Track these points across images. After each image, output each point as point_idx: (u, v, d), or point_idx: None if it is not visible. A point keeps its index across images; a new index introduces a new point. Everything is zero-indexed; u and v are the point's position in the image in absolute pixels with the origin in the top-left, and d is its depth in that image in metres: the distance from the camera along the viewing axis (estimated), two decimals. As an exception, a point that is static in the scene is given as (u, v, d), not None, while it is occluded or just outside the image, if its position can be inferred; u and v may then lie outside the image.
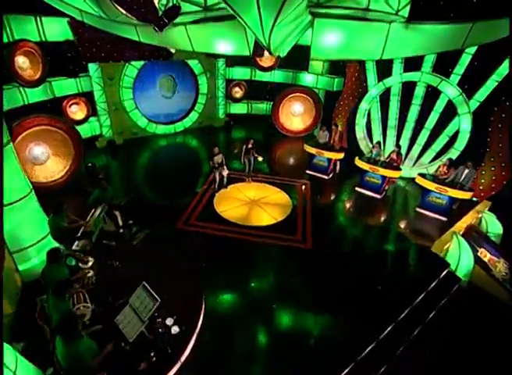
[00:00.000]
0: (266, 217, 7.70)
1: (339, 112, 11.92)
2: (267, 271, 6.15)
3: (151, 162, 11.03)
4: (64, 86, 9.85)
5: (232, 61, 13.42)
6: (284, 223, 7.54)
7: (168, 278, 5.08)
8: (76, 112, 10.46)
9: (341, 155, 9.54)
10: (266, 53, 13.37)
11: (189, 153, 11.94)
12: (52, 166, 8.38)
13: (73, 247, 5.26)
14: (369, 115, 10.71)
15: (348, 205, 8.77)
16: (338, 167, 10.30)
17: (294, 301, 5.49)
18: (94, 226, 5.43)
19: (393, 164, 8.87)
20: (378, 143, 9.20)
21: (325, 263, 6.40)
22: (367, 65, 10.15)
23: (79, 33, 7.37)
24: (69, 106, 10.21)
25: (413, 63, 9.15)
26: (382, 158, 9.10)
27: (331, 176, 10.11)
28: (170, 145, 12.30)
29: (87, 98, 10.48)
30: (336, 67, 12.42)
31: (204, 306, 4.96)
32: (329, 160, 9.77)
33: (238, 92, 14.43)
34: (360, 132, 10.83)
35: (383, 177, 8.87)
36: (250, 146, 8.75)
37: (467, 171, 7.63)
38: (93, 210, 5.90)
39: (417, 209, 8.51)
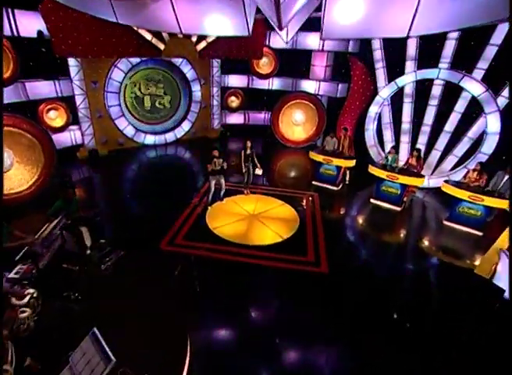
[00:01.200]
0: (269, 234, 6.38)
1: (344, 118, 10.93)
2: (272, 302, 4.75)
3: (137, 174, 9.78)
4: (40, 88, 8.78)
5: (228, 68, 12.58)
6: (292, 242, 6.22)
7: (143, 316, 3.68)
8: (55, 118, 9.34)
9: (352, 163, 8.39)
10: (264, 60, 12.70)
11: (180, 166, 10.70)
12: (16, 175, 7.10)
13: (11, 274, 3.87)
14: (379, 119, 9.69)
15: (364, 220, 7.49)
16: (348, 177, 9.13)
17: (304, 336, 4.08)
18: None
19: (413, 170, 7.71)
20: (394, 147, 8.07)
21: (343, 290, 5.03)
22: (376, 64, 9.26)
23: (51, 22, 6.40)
24: (47, 112, 9.10)
25: (428, 59, 8.25)
26: (398, 165, 7.96)
27: (340, 186, 8.91)
28: (160, 157, 11.11)
29: (67, 103, 9.40)
30: (339, 72, 11.61)
31: (190, 354, 3.53)
32: (339, 169, 8.61)
33: (234, 101, 13.52)
34: (370, 138, 9.77)
35: (403, 186, 7.68)
36: (249, 151, 7.58)
37: (507, 177, 6.47)
38: (46, 224, 4.56)
39: (446, 223, 7.25)
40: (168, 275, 5.07)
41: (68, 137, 9.92)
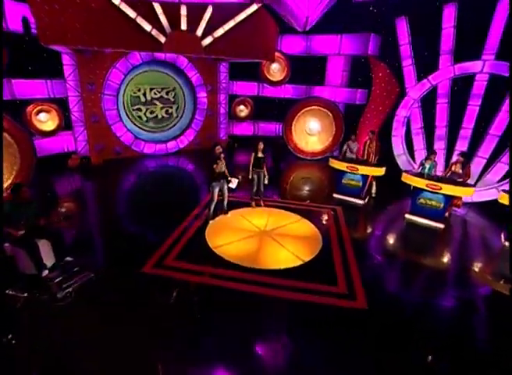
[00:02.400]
0: (286, 256, 5.00)
1: (366, 126, 9.76)
2: (291, 348, 3.30)
3: (132, 186, 8.59)
4: (29, 87, 7.93)
5: (236, 73, 11.73)
6: (315, 266, 4.81)
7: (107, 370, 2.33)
8: (46, 121, 8.42)
9: (381, 171, 7.07)
10: (275, 65, 11.86)
11: (181, 178, 9.49)
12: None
13: None
14: (408, 124, 8.47)
15: (401, 240, 6.05)
16: (374, 188, 7.78)
17: None
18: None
19: (458, 179, 6.35)
20: (434, 152, 6.76)
21: (390, 332, 3.55)
22: (403, 61, 8.17)
23: (36, 4, 5.58)
24: (36, 113, 8.19)
25: (469, 49, 7.10)
26: (434, 173, 6.64)
27: (367, 200, 7.55)
28: (159, 168, 9.99)
29: (60, 105, 8.51)
30: (357, 77, 10.61)
31: None
32: (365, 179, 7.30)
33: (243, 111, 12.59)
34: (398, 146, 8.50)
35: (447, 199, 6.28)
36: (260, 154, 6.38)
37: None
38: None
39: (506, 244, 5.76)
40: (148, 307, 3.70)
41: (59, 143, 8.95)
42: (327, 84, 11.21)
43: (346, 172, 7.36)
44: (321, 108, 10.71)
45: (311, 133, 11.19)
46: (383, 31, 8.82)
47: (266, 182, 6.53)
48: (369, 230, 6.32)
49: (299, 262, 4.81)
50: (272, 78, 11.75)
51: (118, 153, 10.10)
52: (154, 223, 6.08)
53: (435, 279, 4.82)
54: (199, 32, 7.45)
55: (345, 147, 7.74)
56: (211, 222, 5.98)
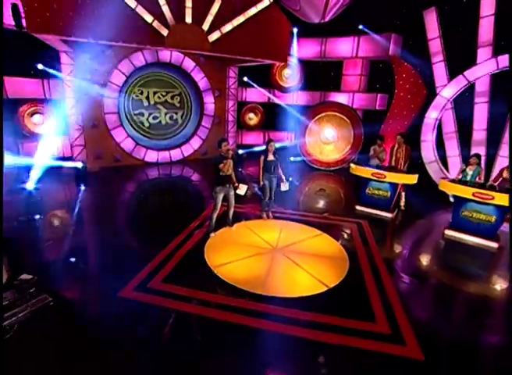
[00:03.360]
0: (304, 279, 3.93)
1: (388, 133, 8.78)
2: None
3: (126, 195, 7.68)
4: (23, 86, 7.37)
5: (247, 79, 11.08)
6: (342, 293, 3.71)
7: None
8: (40, 124, 7.79)
9: (414, 178, 6.00)
10: (287, 71, 11.21)
11: (183, 188, 8.61)
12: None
13: None
14: (440, 127, 7.46)
15: (448, 262, 4.87)
16: (403, 200, 6.70)
17: None
18: None
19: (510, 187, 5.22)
20: (478, 156, 5.69)
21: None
22: (433, 57, 7.27)
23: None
24: (30, 115, 7.58)
25: (506, 43, 6.19)
26: (479, 181, 5.55)
27: (396, 213, 6.46)
28: (161, 177, 9.15)
29: (56, 107, 7.89)
30: (376, 81, 9.79)
31: None
32: (394, 188, 6.23)
33: (253, 119, 11.86)
34: (429, 152, 7.46)
35: (500, 211, 5.13)
36: (271, 157, 5.44)
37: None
38: None
39: None
40: (128, 342, 2.67)
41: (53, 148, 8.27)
42: (343, 90, 10.41)
43: (371, 180, 6.32)
44: (338, 114, 9.83)
45: (327, 141, 10.27)
46: (407, 27, 8.04)
47: (284, 188, 5.53)
48: (404, 250, 5.17)
49: (322, 289, 3.72)
50: (283, 84, 11.08)
51: (117, 160, 9.36)
52: (144, 237, 5.13)
53: (502, 313, 3.63)
54: (205, 26, 6.80)
55: (371, 152, 6.76)
56: (212, 235, 4.98)
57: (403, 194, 6.72)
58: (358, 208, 6.58)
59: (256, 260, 4.34)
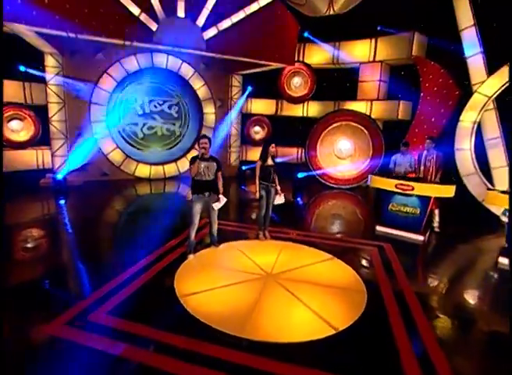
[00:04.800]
0: (304, 318, 3.01)
1: (414, 143, 7.97)
2: None
3: (105, 213, 6.94)
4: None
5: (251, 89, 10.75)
6: (357, 340, 2.76)
7: None
8: (19, 130, 7.53)
9: (450, 190, 5.07)
10: (296, 80, 10.85)
11: (179, 209, 7.81)
12: None
13: None
14: (479, 132, 6.61)
15: (505, 301, 3.78)
16: (437, 219, 5.73)
17: None
18: None
19: None
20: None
21: None
22: (467, 51, 6.58)
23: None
24: (7, 120, 7.33)
25: None
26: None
27: (428, 235, 5.48)
28: (154, 195, 8.53)
29: (37, 113, 7.66)
30: (398, 88, 9.19)
31: None
32: (425, 203, 5.30)
33: (258, 133, 11.38)
34: (466, 163, 6.56)
35: None
36: (270, 162, 4.75)
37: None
38: None
39: None
40: None
41: (32, 158, 7.94)
42: (360, 98, 9.85)
43: (395, 193, 5.44)
44: (354, 124, 9.17)
45: (342, 155, 9.54)
46: (432, 21, 7.53)
47: (280, 201, 4.76)
48: (442, 282, 4.14)
49: (328, 332, 2.78)
50: (293, 94, 10.66)
51: (104, 174, 8.91)
52: (103, 258, 4.37)
53: None
54: (200, 22, 6.50)
55: (394, 159, 5.96)
56: (190, 257, 4.18)
57: (436, 212, 5.76)
58: (379, 228, 5.65)
59: (240, 289, 3.47)
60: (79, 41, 6.28)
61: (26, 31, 5.60)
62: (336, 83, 10.43)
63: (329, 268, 4.10)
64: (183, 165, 9.81)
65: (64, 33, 5.50)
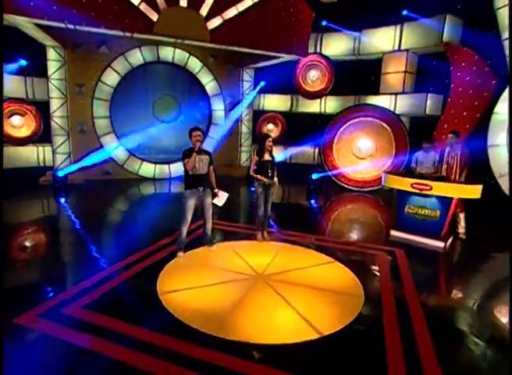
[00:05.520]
0: (288, 320, 3.04)
1: (441, 140, 7.76)
2: None
3: (100, 211, 7.18)
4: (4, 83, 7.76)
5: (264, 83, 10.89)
6: (344, 346, 2.75)
7: None
8: (20, 126, 8.08)
9: (476, 191, 4.89)
10: (313, 73, 10.88)
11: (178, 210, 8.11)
12: None
13: None
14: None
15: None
16: (463, 223, 5.54)
17: None
18: None
19: None
20: None
21: None
22: (503, 32, 6.35)
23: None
24: (8, 116, 7.89)
25: None
26: None
27: (450, 242, 5.31)
28: (157, 196, 8.83)
29: (38, 108, 8.20)
30: (426, 79, 9.00)
31: None
32: (446, 206, 5.15)
33: (271, 131, 11.47)
34: (501, 160, 6.31)
35: None
36: (267, 156, 4.83)
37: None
38: None
39: None
40: None
41: (32, 155, 8.47)
42: (383, 92, 9.72)
43: (412, 194, 5.32)
44: (375, 120, 9.06)
45: (361, 155, 9.43)
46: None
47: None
48: (460, 296, 3.99)
49: (311, 336, 2.78)
50: (309, 88, 10.69)
51: (107, 173, 9.33)
52: (88, 253, 4.59)
53: None
54: (204, 11, 6.75)
55: (416, 156, 5.86)
56: (180, 254, 4.31)
57: (461, 216, 5.57)
58: (393, 233, 5.54)
59: (225, 289, 3.54)
60: (80, 33, 6.70)
61: (25, 23, 6.08)
62: (357, 76, 10.35)
63: (327, 271, 4.09)
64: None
65: (62, 25, 5.90)
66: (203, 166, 4.31)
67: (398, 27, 9.10)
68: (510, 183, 4.44)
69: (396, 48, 9.23)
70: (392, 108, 9.29)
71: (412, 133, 8.85)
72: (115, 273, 3.82)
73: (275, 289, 3.53)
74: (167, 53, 9.09)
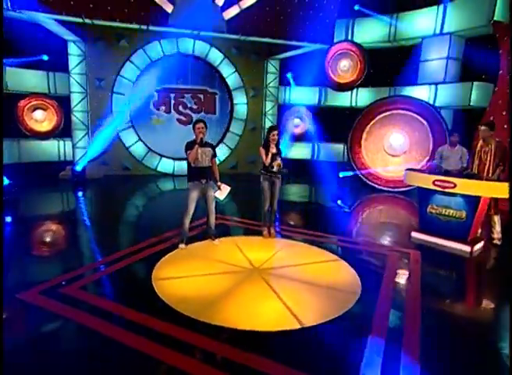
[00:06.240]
0: (272, 310, 3.31)
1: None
2: None
3: (113, 204, 7.90)
4: (26, 79, 8.70)
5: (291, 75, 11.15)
6: (323, 339, 2.98)
7: None
8: (42, 120, 9.02)
9: (506, 189, 4.81)
10: (344, 62, 10.93)
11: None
12: None
13: None
14: None
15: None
16: (498, 227, 5.44)
17: None
18: None
19: None
20: None
21: None
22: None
23: None
24: (31, 110, 8.84)
25: None
26: None
27: (480, 246, 5.24)
28: (174, 192, 9.40)
29: (60, 103, 9.11)
30: (472, 67, 8.78)
31: None
32: (473, 206, 5.10)
33: (299, 126, 11.71)
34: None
35: None
36: (274, 149, 5.10)
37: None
38: None
39: None
40: None
41: (53, 149, 9.41)
42: (421, 82, 9.59)
43: (436, 192, 5.32)
44: (410, 113, 8.98)
45: (394, 152, 9.37)
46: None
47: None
48: (477, 308, 4.00)
49: (292, 325, 3.04)
50: (339, 80, 10.77)
51: (125, 168, 10.09)
52: (94, 241, 5.17)
53: None
54: (220, 1, 7.19)
55: (440, 151, 5.88)
56: (181, 246, 4.72)
57: (496, 219, 5.46)
58: (414, 235, 5.57)
59: (218, 279, 3.88)
60: (99, 27, 7.43)
61: (45, 19, 6.88)
62: (393, 65, 10.28)
63: (328, 268, 4.29)
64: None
65: (79, 19, 6.63)
66: (206, 159, 4.69)
67: (440, 8, 8.91)
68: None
69: (438, 31, 9.06)
70: (431, 100, 9.14)
71: (455, 128, 8.65)
72: (116, 260, 4.31)
73: (267, 282, 3.81)
74: (187, 45, 9.65)
